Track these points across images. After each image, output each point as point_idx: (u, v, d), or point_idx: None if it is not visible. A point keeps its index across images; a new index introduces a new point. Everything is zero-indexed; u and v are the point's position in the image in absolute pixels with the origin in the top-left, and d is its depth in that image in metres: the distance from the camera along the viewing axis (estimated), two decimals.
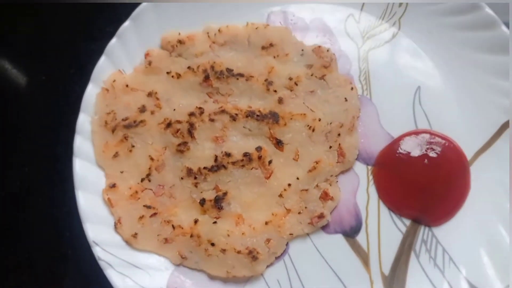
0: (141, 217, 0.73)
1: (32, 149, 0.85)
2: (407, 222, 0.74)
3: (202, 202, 0.74)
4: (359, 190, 0.76)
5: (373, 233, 0.74)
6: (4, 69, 0.91)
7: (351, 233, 0.74)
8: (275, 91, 0.79)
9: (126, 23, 0.81)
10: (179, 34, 0.83)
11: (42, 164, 0.84)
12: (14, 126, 0.87)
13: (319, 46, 0.81)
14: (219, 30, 0.82)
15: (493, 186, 0.74)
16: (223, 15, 0.85)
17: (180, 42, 0.82)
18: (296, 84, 0.79)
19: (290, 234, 0.73)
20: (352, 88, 0.79)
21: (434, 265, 0.72)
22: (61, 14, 0.94)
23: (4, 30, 0.94)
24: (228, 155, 0.75)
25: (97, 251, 0.69)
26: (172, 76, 0.81)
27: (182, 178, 0.75)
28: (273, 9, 0.86)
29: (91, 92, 0.78)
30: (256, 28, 0.82)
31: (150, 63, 0.81)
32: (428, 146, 0.76)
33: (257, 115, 0.77)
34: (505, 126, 0.75)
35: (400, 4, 0.84)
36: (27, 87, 0.89)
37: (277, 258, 0.73)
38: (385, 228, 0.74)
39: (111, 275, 0.68)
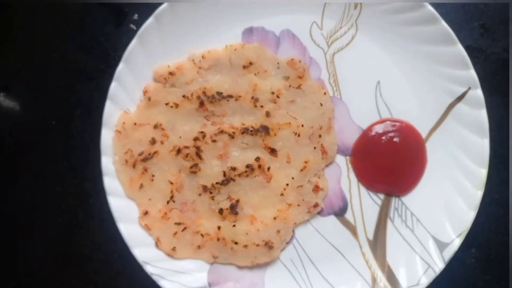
0: (175, 233, 0.88)
1: (62, 189, 0.94)
2: (382, 196, 0.90)
3: (220, 211, 0.89)
4: (342, 177, 0.91)
5: (357, 209, 0.90)
6: (15, 119, 0.96)
7: (340, 212, 0.91)
8: (262, 106, 0.90)
9: (120, 66, 0.87)
10: (168, 66, 0.90)
11: (75, 200, 0.94)
12: (38, 170, 0.95)
13: (292, 59, 0.90)
14: (202, 56, 0.91)
15: (445, 157, 0.89)
16: (201, 39, 0.91)
17: (171, 73, 0.90)
18: (278, 97, 0.90)
19: (294, 223, 0.89)
20: (325, 93, 0.91)
21: (406, 226, 0.89)
22: (54, 58, 0.97)
23: (6, 80, 0.98)
24: (233, 169, 0.89)
25: (148, 268, 0.84)
26: (171, 106, 0.90)
27: (200, 194, 0.89)
28: (246, 26, 0.93)
29: (106, 136, 0.87)
30: (235, 49, 0.91)
31: (149, 98, 0.90)
32: (390, 131, 0.91)
33: (251, 131, 0.89)
34: (450, 106, 0.89)
35: (356, 7, 0.92)
36: (41, 133, 0.95)
37: (287, 243, 0.89)
38: (365, 204, 0.90)
39: (164, 284, 0.84)
